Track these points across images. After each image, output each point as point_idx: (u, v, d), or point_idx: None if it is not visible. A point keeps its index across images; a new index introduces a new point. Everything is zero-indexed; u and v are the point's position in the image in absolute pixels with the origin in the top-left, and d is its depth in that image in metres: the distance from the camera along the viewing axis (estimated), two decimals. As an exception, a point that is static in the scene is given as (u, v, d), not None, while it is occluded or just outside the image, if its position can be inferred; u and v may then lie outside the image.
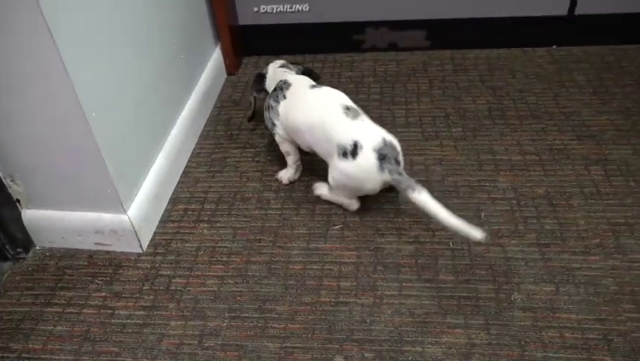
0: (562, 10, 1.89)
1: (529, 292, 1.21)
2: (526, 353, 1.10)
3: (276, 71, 1.56)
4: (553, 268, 1.25)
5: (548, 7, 1.89)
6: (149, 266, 1.35)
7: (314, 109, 1.36)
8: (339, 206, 1.45)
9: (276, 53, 2.10)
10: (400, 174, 1.25)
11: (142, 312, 1.24)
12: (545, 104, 1.74)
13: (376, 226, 1.39)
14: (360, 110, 1.35)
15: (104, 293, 1.29)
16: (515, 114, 1.71)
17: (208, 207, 1.49)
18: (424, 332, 1.15)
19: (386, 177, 1.26)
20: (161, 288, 1.29)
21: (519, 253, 1.29)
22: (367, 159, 1.26)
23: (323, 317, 1.20)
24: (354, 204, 1.41)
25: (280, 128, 1.45)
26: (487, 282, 1.24)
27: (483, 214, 1.40)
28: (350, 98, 1.39)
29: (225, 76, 2.01)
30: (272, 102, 1.45)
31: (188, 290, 1.28)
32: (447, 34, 1.99)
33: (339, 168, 1.31)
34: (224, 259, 1.35)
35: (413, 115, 1.75)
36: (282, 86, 1.45)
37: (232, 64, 2.00)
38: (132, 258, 1.37)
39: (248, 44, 2.08)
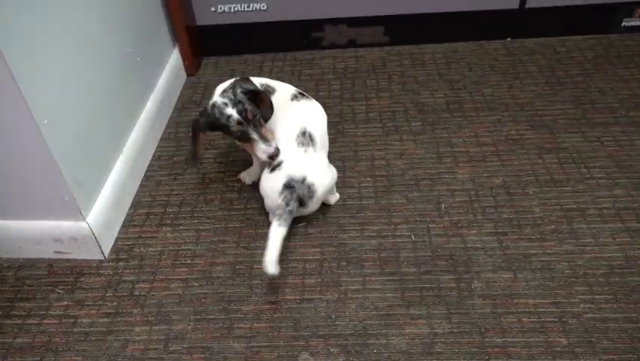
0: (514, 3, 1.93)
1: (489, 280, 1.24)
2: (486, 339, 1.13)
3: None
4: (511, 256, 1.29)
5: (500, 0, 1.93)
6: (111, 272, 1.33)
7: (305, 115, 1.36)
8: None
9: (236, 53, 2.08)
10: (290, 212, 1.25)
11: (105, 319, 1.22)
12: (500, 95, 1.78)
13: (339, 223, 1.40)
14: (314, 140, 1.32)
15: (65, 302, 1.26)
16: (472, 106, 1.74)
17: (171, 210, 1.48)
18: (388, 325, 1.17)
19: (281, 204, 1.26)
20: (124, 294, 1.27)
21: (478, 243, 1.32)
22: (277, 179, 1.28)
23: (288, 314, 1.20)
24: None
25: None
26: (448, 272, 1.26)
27: (443, 206, 1.42)
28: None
29: (185, 77, 1.99)
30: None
31: (153, 295, 1.27)
32: (405, 29, 2.01)
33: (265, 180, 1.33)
34: (188, 261, 1.34)
35: (373, 110, 1.76)
36: (268, 90, 1.40)
37: (191, 65, 1.98)
38: (94, 265, 1.34)
39: (207, 45, 2.06)
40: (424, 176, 1.51)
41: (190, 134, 1.39)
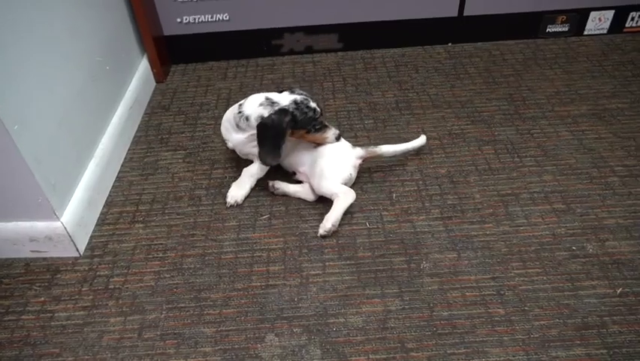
0: (452, 11, 1.97)
1: (436, 260, 1.26)
2: (434, 313, 1.15)
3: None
4: (455, 238, 1.31)
5: (441, 9, 1.96)
6: (87, 268, 1.29)
7: None
8: (266, 199, 1.45)
9: (202, 60, 2.06)
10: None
11: (82, 312, 1.19)
12: (444, 94, 1.81)
13: (300, 213, 1.40)
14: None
15: (42, 298, 1.22)
16: (419, 105, 1.77)
17: (143, 208, 1.45)
18: (346, 305, 1.18)
19: (357, 150, 1.43)
20: (99, 288, 1.24)
21: (426, 227, 1.34)
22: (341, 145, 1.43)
23: (255, 300, 1.20)
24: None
25: None
26: (399, 255, 1.28)
27: (394, 195, 1.44)
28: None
29: (154, 84, 1.95)
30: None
31: (127, 287, 1.24)
32: (357, 36, 2.02)
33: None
34: (160, 255, 1.32)
35: (330, 110, 1.77)
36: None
37: (160, 72, 1.94)
38: (70, 262, 1.31)
39: (174, 53, 2.02)
40: (377, 169, 1.52)
41: (268, 135, 1.28)
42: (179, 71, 2.03)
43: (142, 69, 1.86)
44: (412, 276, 1.23)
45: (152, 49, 1.87)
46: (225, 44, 2.01)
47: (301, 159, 1.42)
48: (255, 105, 1.32)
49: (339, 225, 1.35)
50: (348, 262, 1.27)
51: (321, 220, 1.37)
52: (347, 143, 1.44)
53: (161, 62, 1.93)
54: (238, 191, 1.44)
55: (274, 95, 1.33)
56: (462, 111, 1.73)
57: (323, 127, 1.36)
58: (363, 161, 1.45)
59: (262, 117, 1.29)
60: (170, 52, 2.02)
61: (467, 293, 1.18)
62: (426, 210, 1.39)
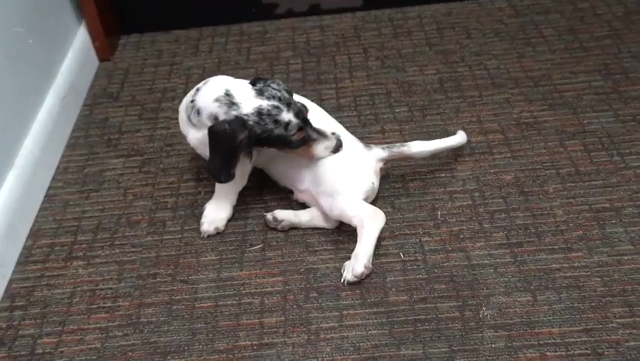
0: (519, -51, 1.99)
1: (501, 305, 1.26)
2: (501, 381, 1.15)
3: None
4: (528, 273, 1.31)
5: (503, -53, 1.98)
6: (4, 326, 1.31)
7: None
8: (258, 223, 1.47)
9: (164, 28, 2.09)
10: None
11: (-2, 388, 1.21)
12: (509, 68, 1.82)
13: (306, 242, 1.41)
14: None
15: (-57, 369, 1.25)
16: (473, 84, 1.78)
17: (83, 238, 1.47)
18: (374, 371, 1.18)
19: (375, 150, 1.45)
20: (22, 353, 1.26)
21: (486, 258, 1.34)
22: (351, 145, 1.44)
23: (243, 366, 1.21)
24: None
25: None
26: (448, 298, 1.28)
27: (439, 213, 1.44)
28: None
29: (97, 63, 1.99)
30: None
31: (61, 352, 1.25)
32: (382, -12, 2.05)
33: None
34: (109, 304, 1.33)
35: (345, 95, 1.78)
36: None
37: (104, 46, 1.97)
38: (-19, 317, 1.33)
39: (124, 19, 2.06)
40: (413, 176, 1.53)
41: (220, 148, 1.29)
42: (131, 44, 2.06)
43: (79, 42, 1.89)
44: (467, 329, 1.23)
45: (92, 13, 1.91)
46: (197, 5, 2.05)
47: (299, 173, 1.43)
48: (210, 98, 1.31)
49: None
50: (375, 309, 1.27)
51: (335, 251, 1.38)
52: (358, 142, 1.45)
53: (105, 31, 1.96)
54: (217, 213, 1.45)
55: (239, 90, 1.31)
56: (535, 91, 1.73)
57: (308, 139, 1.35)
58: (385, 165, 1.46)
59: (216, 118, 1.31)
60: (118, 17, 2.06)
61: (548, 353, 1.18)
62: (485, 234, 1.39)
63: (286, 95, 1.32)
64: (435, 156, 1.57)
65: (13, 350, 1.26)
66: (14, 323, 1.31)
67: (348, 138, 1.43)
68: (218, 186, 1.44)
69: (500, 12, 2.03)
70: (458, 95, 1.75)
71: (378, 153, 1.43)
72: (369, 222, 1.33)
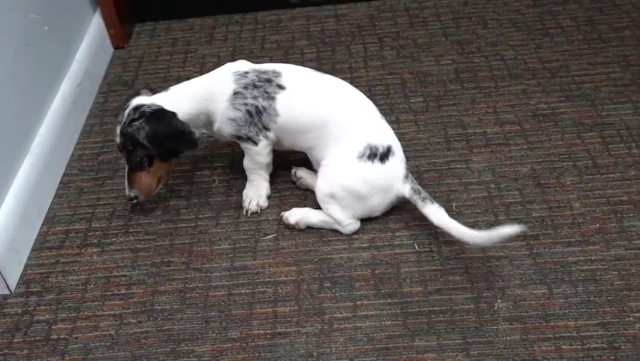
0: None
1: (517, 297, 1.26)
2: (515, 374, 1.15)
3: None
4: (544, 266, 1.30)
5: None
6: (20, 311, 1.32)
7: (338, 100, 1.38)
8: (272, 212, 1.47)
9: (178, 16, 2.09)
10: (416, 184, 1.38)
11: (14, 373, 1.22)
12: (525, 59, 1.81)
13: (320, 231, 1.41)
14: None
15: (-41, 353, 1.26)
16: (489, 74, 1.77)
17: (97, 225, 1.48)
18: (388, 361, 1.18)
19: (406, 188, 1.36)
20: (38, 338, 1.27)
21: (501, 250, 1.34)
22: (396, 166, 1.36)
23: (257, 354, 1.21)
24: (353, 225, 1.40)
25: (272, 134, 1.40)
26: (463, 290, 1.28)
27: (454, 204, 1.44)
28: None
29: (112, 50, 1.99)
30: (261, 102, 1.37)
31: (76, 338, 1.27)
32: (398, -23, 2.04)
33: (359, 170, 1.33)
34: (123, 291, 1.34)
35: (360, 84, 1.76)
36: (271, 78, 1.38)
37: (119, 34, 1.98)
38: (-4, 302, 1.34)
39: (139, 7, 2.06)
40: (428, 167, 1.53)
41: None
42: (146, 32, 2.07)
43: (94, 30, 1.90)
44: (481, 321, 1.22)
45: (107, 1, 1.91)
46: (211, -7, 2.05)
47: (327, 150, 1.39)
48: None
49: (377, 247, 1.36)
50: (389, 300, 1.27)
51: (349, 241, 1.39)
52: (404, 167, 1.38)
53: (120, 19, 1.96)
54: (256, 191, 1.47)
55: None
56: (552, 82, 1.72)
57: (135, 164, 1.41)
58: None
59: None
60: (133, 5, 2.06)
61: (564, 346, 1.18)
62: (501, 225, 1.36)
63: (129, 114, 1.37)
64: (450, 147, 1.57)
65: (28, 335, 1.28)
66: (30, 308, 1.33)
67: (395, 162, 1.36)
68: (248, 170, 1.46)
69: (517, 2, 2.02)
70: (474, 85, 1.74)
71: (405, 190, 1.36)
72: (340, 227, 1.39)
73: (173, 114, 1.36)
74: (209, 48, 1.98)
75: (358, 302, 1.28)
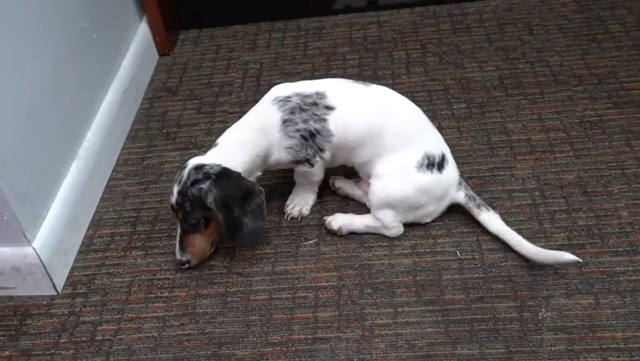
0: (585, -57, 1.94)
1: (562, 307, 1.24)
2: (560, 385, 1.13)
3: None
4: (590, 275, 1.28)
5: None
6: (66, 312, 1.35)
7: (389, 110, 1.38)
8: (313, 217, 1.48)
9: (222, 24, 2.12)
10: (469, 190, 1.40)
11: (60, 372, 1.25)
12: (572, 65, 1.78)
13: (361, 238, 1.41)
14: None
15: (7, 352, 1.29)
16: (534, 81, 1.75)
17: (142, 229, 1.51)
18: (429, 369, 1.17)
19: (460, 194, 1.38)
20: (83, 339, 1.30)
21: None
22: (451, 173, 1.38)
23: (297, 359, 1.22)
24: (399, 229, 1.40)
25: (328, 153, 1.38)
26: (506, 299, 1.26)
27: (498, 212, 1.42)
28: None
29: (157, 57, 2.03)
30: (313, 125, 1.35)
31: (120, 339, 1.29)
32: (442, -17, 2.03)
33: (418, 180, 1.34)
34: (166, 294, 1.36)
35: (402, 91, 1.74)
36: (317, 101, 1.36)
37: (164, 41, 2.01)
38: (44, 303, 1.37)
39: (184, 14, 2.10)
40: (471, 173, 1.51)
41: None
42: (190, 39, 2.10)
43: (140, 37, 1.93)
44: (525, 330, 1.21)
45: (154, 8, 1.95)
46: (255, 0, 2.07)
47: (379, 160, 1.38)
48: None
49: (418, 254, 1.36)
50: (430, 307, 1.27)
51: (390, 247, 1.38)
52: (457, 174, 1.39)
53: (166, 26, 2.00)
54: (301, 199, 1.49)
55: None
56: (600, 89, 1.69)
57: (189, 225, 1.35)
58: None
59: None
60: (178, 12, 2.09)
61: (610, 358, 1.16)
62: (545, 234, 1.37)
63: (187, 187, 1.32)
64: (494, 154, 1.55)
65: (74, 336, 1.31)
66: (76, 309, 1.36)
67: (450, 169, 1.38)
68: (298, 178, 1.47)
69: (564, 7, 1.99)
70: (519, 92, 1.72)
71: (459, 197, 1.38)
72: (386, 231, 1.40)
73: (239, 173, 1.32)
74: (252, 55, 2.00)
75: (399, 309, 1.27)
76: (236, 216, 1.29)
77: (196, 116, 1.80)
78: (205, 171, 1.31)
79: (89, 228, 1.52)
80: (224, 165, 1.32)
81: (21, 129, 1.33)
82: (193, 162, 1.33)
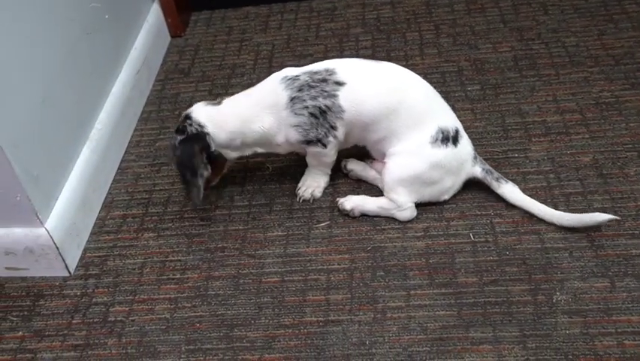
0: None
1: (577, 290, 1.22)
2: (574, 369, 1.12)
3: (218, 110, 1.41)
4: (606, 258, 1.26)
5: None
6: (79, 293, 1.35)
7: (402, 85, 1.36)
8: (325, 200, 1.46)
9: (234, 5, 2.10)
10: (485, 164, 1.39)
11: (72, 353, 1.25)
12: (588, 45, 1.75)
13: (373, 220, 1.40)
14: None
15: (21, 333, 1.29)
16: (549, 62, 1.72)
17: (154, 210, 1.50)
18: (441, 352, 1.16)
19: (477, 168, 1.38)
20: (96, 320, 1.30)
21: (561, 242, 1.30)
22: (466, 147, 1.37)
23: (309, 341, 1.21)
24: (412, 210, 1.38)
25: (340, 131, 1.36)
26: (520, 281, 1.25)
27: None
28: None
29: (169, 39, 2.01)
30: (322, 101, 1.32)
31: (132, 320, 1.29)
32: (456, -37, 2.00)
33: (433, 155, 1.32)
34: (178, 276, 1.35)
35: (416, 72, 1.72)
36: (326, 77, 1.33)
37: (176, 23, 2.00)
38: (56, 283, 1.37)
39: (196, -4, 2.08)
40: (485, 155, 1.49)
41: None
42: (202, 21, 2.08)
43: (152, 18, 1.92)
44: (539, 313, 1.19)
45: (165, -10, 1.94)
46: (266, -19, 2.05)
47: (396, 137, 1.36)
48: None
49: (431, 237, 1.34)
50: (443, 290, 1.25)
51: (403, 230, 1.37)
52: (472, 148, 1.38)
53: (178, 8, 1.98)
54: (312, 181, 1.46)
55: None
56: (616, 70, 1.66)
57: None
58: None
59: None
60: (190, -6, 2.08)
61: (626, 342, 1.14)
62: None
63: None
64: (508, 136, 1.53)
65: (87, 317, 1.31)
66: (88, 290, 1.35)
67: (465, 143, 1.37)
68: (312, 165, 1.45)
69: (580, -13, 1.95)
70: (533, 73, 1.69)
71: (476, 171, 1.38)
72: (398, 213, 1.38)
73: (200, 149, 1.36)
74: (264, 36, 1.98)
75: (412, 292, 1.26)
76: (183, 175, 1.39)
77: (208, 98, 1.77)
78: (188, 124, 1.38)
79: (101, 209, 1.52)
80: (210, 126, 1.37)
81: (33, 111, 1.33)
82: (192, 108, 1.41)
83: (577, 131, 1.52)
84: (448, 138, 1.33)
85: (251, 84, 1.78)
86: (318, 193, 1.47)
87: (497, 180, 1.36)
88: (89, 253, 1.43)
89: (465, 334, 1.18)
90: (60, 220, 1.36)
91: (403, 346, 1.18)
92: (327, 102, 1.33)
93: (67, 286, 1.37)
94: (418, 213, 1.38)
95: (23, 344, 1.27)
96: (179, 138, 1.37)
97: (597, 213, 1.26)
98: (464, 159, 1.36)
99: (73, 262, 1.39)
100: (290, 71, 1.37)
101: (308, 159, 1.45)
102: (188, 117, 1.38)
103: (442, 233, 1.35)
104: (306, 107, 1.33)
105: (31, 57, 1.33)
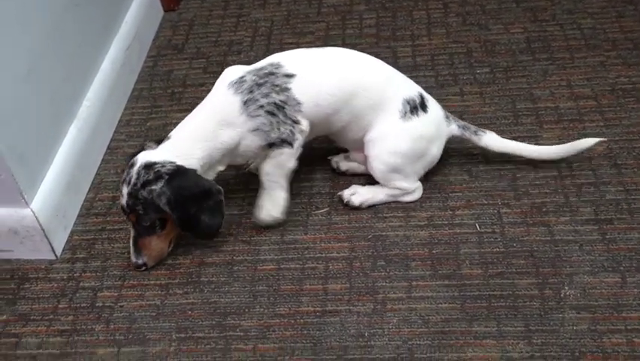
0: None
1: (586, 285, 1.23)
2: (581, 366, 1.14)
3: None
4: (617, 252, 1.28)
5: None
6: (65, 277, 1.36)
7: (355, 67, 1.37)
8: (325, 185, 1.48)
9: (232, -22, 2.10)
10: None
11: (58, 338, 1.26)
12: (605, 28, 1.76)
13: (375, 208, 1.41)
14: None
15: (4, 316, 1.30)
16: (564, 45, 1.73)
17: (144, 193, 1.51)
18: (443, 345, 1.18)
19: (453, 127, 1.42)
20: (83, 305, 1.31)
21: (571, 234, 1.32)
22: (436, 109, 1.41)
23: (305, 332, 1.22)
24: (419, 189, 1.42)
25: (305, 124, 1.32)
26: (527, 275, 1.26)
27: (521, 183, 1.42)
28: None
29: (162, 13, 2.01)
30: (275, 97, 1.29)
31: (121, 306, 1.30)
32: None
33: (410, 129, 1.35)
34: (169, 261, 1.37)
35: (422, 53, 1.76)
36: (273, 71, 1.31)
37: (170, -5, 2.00)
38: (42, 267, 1.38)
39: (191, -33, 2.08)
40: (494, 142, 1.51)
41: None
42: (197, -6, 2.08)
43: (145, -9, 1.92)
44: (546, 308, 1.21)
45: (159, -39, 1.94)
46: (266, -47, 2.05)
47: (369, 125, 1.37)
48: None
49: (435, 226, 1.36)
50: (446, 281, 1.27)
51: (406, 218, 1.38)
52: (441, 110, 1.41)
53: (172, -21, 1.99)
54: (274, 201, 1.38)
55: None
56: (635, 55, 1.67)
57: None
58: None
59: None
60: (185, -35, 2.08)
61: (636, 340, 1.15)
62: (571, 208, 1.36)
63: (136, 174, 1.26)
64: (518, 122, 1.54)
65: (74, 302, 1.32)
66: (75, 274, 1.37)
67: (433, 105, 1.40)
68: (268, 176, 1.36)
69: (598, -34, 1.96)
70: (547, 56, 1.70)
71: (453, 129, 1.42)
72: (408, 196, 1.41)
73: (194, 171, 1.27)
74: (263, 12, 1.98)
75: (414, 283, 1.27)
76: (191, 214, 1.27)
77: (203, 76, 1.79)
78: (156, 170, 1.25)
79: (89, 191, 1.53)
80: (179, 162, 1.27)
81: (18, 87, 1.33)
82: (142, 158, 1.28)
83: (591, 118, 1.53)
84: (417, 107, 1.35)
85: (248, 62, 1.78)
86: (280, 215, 1.38)
87: (476, 133, 1.41)
88: (77, 236, 1.44)
89: (468, 328, 1.20)
90: (46, 201, 1.37)
91: (403, 339, 1.19)
92: (282, 97, 1.30)
93: (53, 269, 1.38)
94: (421, 202, 1.40)
95: (7, 328, 1.29)
96: (160, 183, 1.24)
97: (585, 140, 1.37)
98: (438, 121, 1.40)
99: (59, 244, 1.41)
100: (232, 73, 1.33)
101: (263, 176, 1.37)
102: (148, 166, 1.26)
103: (446, 222, 1.37)
104: (261, 107, 1.29)
105: (16, 30, 1.33)
